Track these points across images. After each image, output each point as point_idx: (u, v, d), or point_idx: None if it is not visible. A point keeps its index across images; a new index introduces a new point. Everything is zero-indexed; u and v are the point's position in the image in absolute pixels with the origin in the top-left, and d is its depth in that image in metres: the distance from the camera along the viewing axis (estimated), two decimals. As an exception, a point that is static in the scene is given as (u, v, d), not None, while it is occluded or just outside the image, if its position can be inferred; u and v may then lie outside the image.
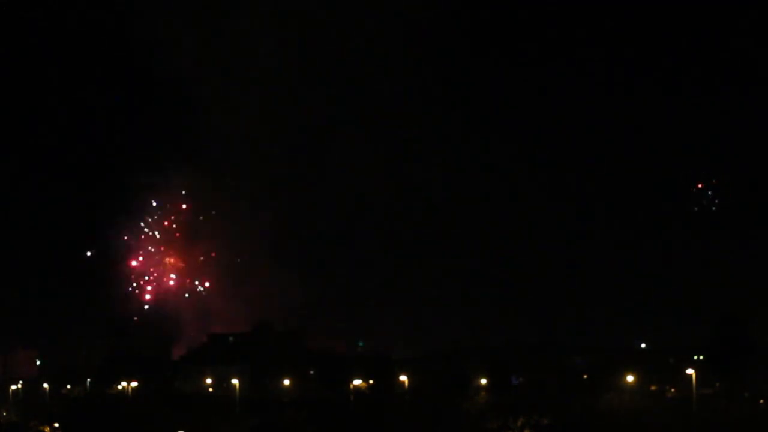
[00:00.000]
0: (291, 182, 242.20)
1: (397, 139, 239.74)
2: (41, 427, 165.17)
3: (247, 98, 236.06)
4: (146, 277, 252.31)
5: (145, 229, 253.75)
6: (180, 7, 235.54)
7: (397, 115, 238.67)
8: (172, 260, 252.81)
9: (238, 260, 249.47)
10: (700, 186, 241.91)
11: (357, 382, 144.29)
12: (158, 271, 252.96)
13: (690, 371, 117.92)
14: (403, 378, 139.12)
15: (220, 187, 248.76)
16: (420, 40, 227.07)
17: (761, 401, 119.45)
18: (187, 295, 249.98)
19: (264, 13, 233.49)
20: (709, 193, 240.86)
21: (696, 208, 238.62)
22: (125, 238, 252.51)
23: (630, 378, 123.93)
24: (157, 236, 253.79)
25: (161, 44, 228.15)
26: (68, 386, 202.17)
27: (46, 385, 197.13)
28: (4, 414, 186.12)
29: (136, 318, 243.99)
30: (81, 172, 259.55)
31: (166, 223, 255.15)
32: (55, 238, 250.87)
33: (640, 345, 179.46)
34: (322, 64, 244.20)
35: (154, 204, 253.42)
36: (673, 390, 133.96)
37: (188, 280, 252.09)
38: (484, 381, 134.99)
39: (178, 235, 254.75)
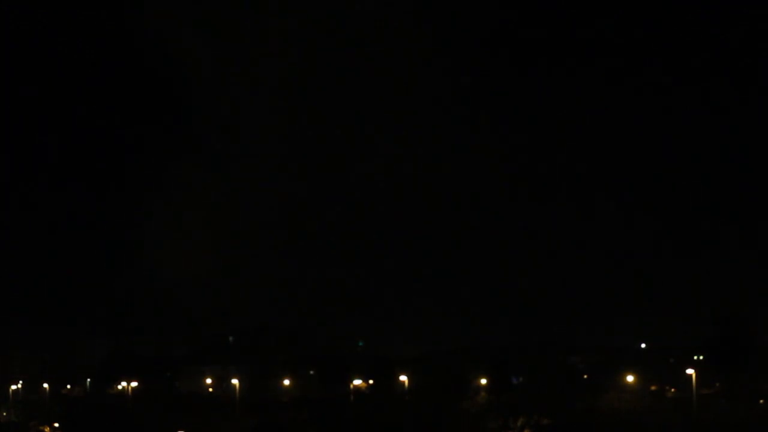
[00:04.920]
0: (293, 182, 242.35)
1: (398, 139, 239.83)
2: (41, 427, 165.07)
3: (254, 96, 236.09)
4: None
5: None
6: (192, 5, 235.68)
7: (399, 117, 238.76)
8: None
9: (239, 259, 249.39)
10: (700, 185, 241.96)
11: (357, 382, 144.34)
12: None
13: (690, 371, 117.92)
14: (403, 378, 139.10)
15: (223, 187, 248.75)
16: (435, 37, 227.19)
17: (761, 401, 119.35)
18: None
19: (276, 9, 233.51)
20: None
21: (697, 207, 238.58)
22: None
23: (630, 378, 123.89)
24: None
25: (168, 42, 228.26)
26: (68, 386, 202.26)
27: (46, 385, 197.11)
28: (4, 414, 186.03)
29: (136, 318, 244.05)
30: (84, 171, 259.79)
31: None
32: (56, 238, 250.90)
33: (640, 345, 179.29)
34: (335, 60, 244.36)
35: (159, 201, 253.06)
36: (673, 390, 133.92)
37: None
38: (484, 381, 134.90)
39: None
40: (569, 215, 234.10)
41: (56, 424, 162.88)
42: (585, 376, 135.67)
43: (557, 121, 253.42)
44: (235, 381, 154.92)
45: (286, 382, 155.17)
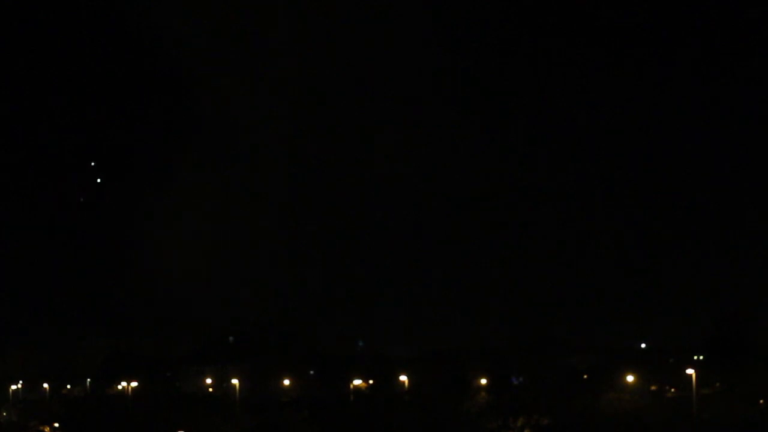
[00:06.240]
0: (293, 181, 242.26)
1: (399, 140, 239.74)
2: (41, 427, 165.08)
3: (255, 97, 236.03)
4: None
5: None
6: (192, 3, 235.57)
7: (399, 117, 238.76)
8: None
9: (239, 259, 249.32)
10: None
11: (357, 382, 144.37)
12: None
13: (690, 371, 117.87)
14: (403, 378, 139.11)
15: (224, 186, 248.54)
16: (437, 37, 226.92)
17: (761, 401, 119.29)
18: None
19: (277, 10, 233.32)
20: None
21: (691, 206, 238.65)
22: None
23: (630, 378, 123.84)
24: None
25: (169, 42, 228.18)
26: (68, 386, 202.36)
27: (46, 385, 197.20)
28: (4, 414, 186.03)
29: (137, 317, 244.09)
30: (84, 171, 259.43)
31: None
32: (56, 237, 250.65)
33: (640, 345, 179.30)
34: (335, 62, 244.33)
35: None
36: (673, 390, 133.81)
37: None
38: (484, 381, 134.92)
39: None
40: (569, 215, 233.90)
41: (56, 424, 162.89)
42: (585, 376, 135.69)
43: (557, 121, 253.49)
44: (235, 381, 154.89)
45: (286, 382, 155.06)
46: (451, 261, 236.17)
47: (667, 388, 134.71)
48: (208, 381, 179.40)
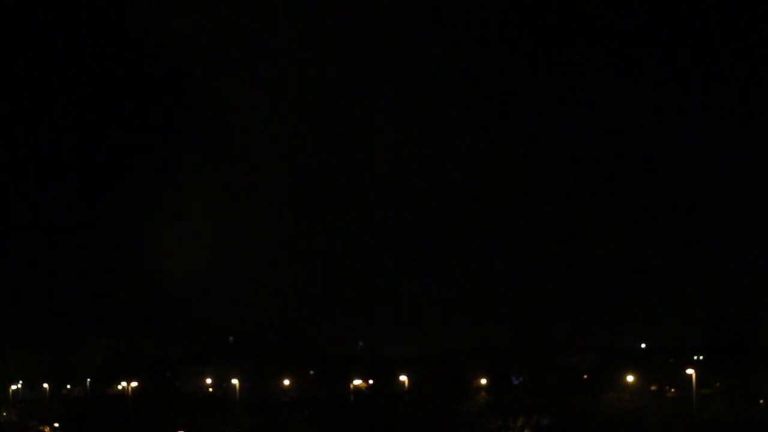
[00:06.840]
0: (292, 182, 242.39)
1: (399, 141, 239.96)
2: (41, 427, 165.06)
3: (255, 98, 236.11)
4: None
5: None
6: (195, 4, 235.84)
7: (400, 119, 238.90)
8: None
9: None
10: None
11: (357, 382, 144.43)
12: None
13: (690, 371, 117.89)
14: (403, 378, 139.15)
15: (224, 187, 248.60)
16: (438, 39, 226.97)
17: (761, 401, 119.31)
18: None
19: (279, 11, 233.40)
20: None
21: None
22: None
23: (630, 378, 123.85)
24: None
25: (171, 42, 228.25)
26: (68, 386, 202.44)
27: (46, 385, 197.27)
28: (4, 414, 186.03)
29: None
30: (85, 171, 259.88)
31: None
32: (56, 238, 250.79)
33: (640, 345, 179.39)
34: (337, 63, 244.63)
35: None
36: (673, 390, 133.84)
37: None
38: (484, 381, 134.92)
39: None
40: (569, 215, 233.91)
41: (56, 424, 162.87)
42: (585, 376, 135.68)
43: (557, 121, 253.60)
44: (235, 381, 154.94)
45: (286, 382, 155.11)
46: (451, 261, 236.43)
47: (667, 388, 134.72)
48: (208, 381, 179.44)
